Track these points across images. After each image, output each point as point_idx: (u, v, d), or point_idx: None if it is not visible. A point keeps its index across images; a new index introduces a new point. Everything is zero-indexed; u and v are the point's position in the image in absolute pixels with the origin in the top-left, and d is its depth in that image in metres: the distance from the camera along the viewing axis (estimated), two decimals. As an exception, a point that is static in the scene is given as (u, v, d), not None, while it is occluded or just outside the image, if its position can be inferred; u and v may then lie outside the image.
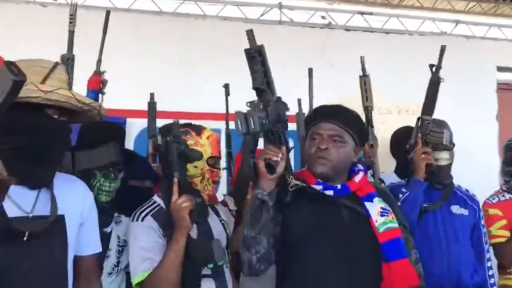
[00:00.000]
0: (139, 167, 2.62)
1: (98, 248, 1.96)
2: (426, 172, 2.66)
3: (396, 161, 3.39)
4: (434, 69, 2.75)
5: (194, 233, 2.17)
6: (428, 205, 2.71)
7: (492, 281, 2.81)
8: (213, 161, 2.33)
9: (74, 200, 1.83)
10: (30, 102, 1.59)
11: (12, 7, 4.49)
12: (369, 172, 3.23)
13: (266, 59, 1.98)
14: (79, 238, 1.84)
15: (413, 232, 2.55)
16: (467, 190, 3.00)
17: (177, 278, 1.99)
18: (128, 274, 2.32)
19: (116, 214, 2.39)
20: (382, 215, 2.06)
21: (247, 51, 1.98)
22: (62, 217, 1.73)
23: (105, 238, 2.26)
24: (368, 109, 3.38)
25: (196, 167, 2.26)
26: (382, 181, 3.19)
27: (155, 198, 2.25)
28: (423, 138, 2.75)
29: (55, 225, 1.71)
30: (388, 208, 2.11)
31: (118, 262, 2.30)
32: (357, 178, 2.15)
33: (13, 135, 1.60)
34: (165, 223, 2.09)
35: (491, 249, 3.06)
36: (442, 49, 2.75)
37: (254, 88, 1.99)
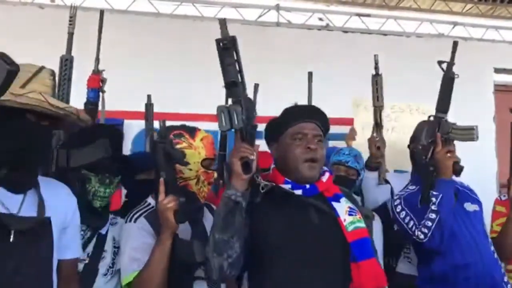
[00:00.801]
0: (141, 160, 2.62)
1: (79, 253, 2.00)
2: (454, 171, 2.61)
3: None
4: (445, 66, 2.69)
5: (188, 234, 2.17)
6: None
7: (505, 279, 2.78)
8: (208, 163, 2.32)
9: (59, 204, 1.85)
10: (11, 107, 1.60)
11: (9, 9, 4.49)
12: (376, 173, 3.23)
13: (239, 51, 1.91)
14: (61, 242, 1.85)
15: (452, 238, 2.56)
16: (461, 183, 2.98)
17: (163, 278, 1.99)
18: None
19: (111, 216, 2.39)
20: (350, 214, 2.03)
21: (219, 42, 1.90)
22: (48, 219, 1.75)
23: (100, 239, 2.27)
24: (378, 109, 3.34)
25: (191, 169, 2.25)
26: (387, 181, 3.17)
27: (149, 199, 2.26)
28: (443, 136, 2.69)
29: (42, 226, 1.73)
30: (356, 208, 2.10)
31: (113, 263, 2.29)
32: (324, 178, 2.12)
33: None
34: (157, 224, 2.08)
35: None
36: (455, 45, 2.70)
37: (228, 82, 1.93)
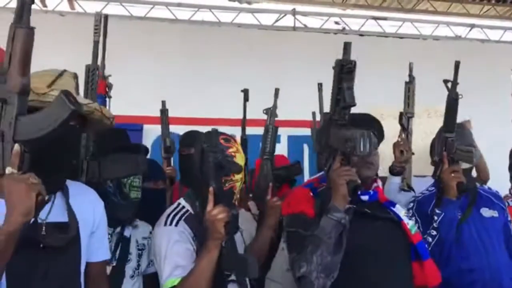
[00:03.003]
0: (151, 169, 2.66)
1: (107, 255, 2.01)
2: (458, 191, 2.63)
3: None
4: (450, 85, 2.72)
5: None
6: (460, 216, 2.68)
7: None
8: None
9: (87, 208, 1.86)
10: (35, 108, 1.59)
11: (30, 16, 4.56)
12: (399, 178, 3.23)
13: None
14: (89, 245, 1.88)
15: (452, 250, 2.61)
16: (489, 188, 2.97)
17: (207, 287, 1.98)
18: (145, 278, 2.38)
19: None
20: (410, 219, 2.17)
21: (342, 64, 1.94)
22: (77, 225, 1.77)
23: (125, 242, 2.33)
24: (407, 116, 3.35)
25: (239, 173, 2.23)
26: (411, 188, 3.17)
27: (182, 202, 2.23)
28: (449, 156, 2.72)
29: (71, 233, 1.75)
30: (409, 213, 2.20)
31: (138, 265, 2.34)
32: (380, 185, 2.24)
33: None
34: (197, 228, 2.08)
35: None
36: (457, 66, 2.72)
37: (348, 105, 1.97)
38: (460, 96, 2.70)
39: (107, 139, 2.35)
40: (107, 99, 2.94)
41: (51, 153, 1.66)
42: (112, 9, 4.73)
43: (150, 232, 2.37)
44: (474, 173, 3.59)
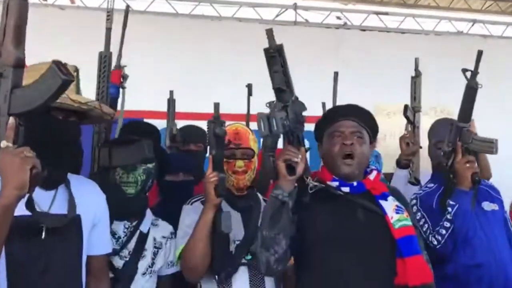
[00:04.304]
0: (170, 161, 2.66)
1: (109, 249, 2.02)
2: (472, 181, 2.61)
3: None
4: (469, 74, 2.67)
5: (240, 224, 2.28)
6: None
7: None
8: (229, 153, 2.36)
9: (88, 201, 1.87)
10: None
11: (31, 10, 4.54)
12: (406, 171, 3.22)
13: (285, 59, 1.99)
14: (91, 238, 1.89)
15: (469, 241, 2.59)
16: (484, 181, 2.95)
17: (204, 247, 2.11)
18: (159, 278, 2.36)
19: (153, 217, 2.40)
20: (397, 213, 2.08)
21: (266, 51, 1.99)
22: (78, 217, 1.79)
23: (142, 237, 2.29)
24: (414, 110, 3.34)
25: None
26: (417, 181, 3.15)
27: None
28: (463, 146, 2.69)
29: (72, 224, 1.75)
30: (403, 207, 2.13)
31: (153, 264, 2.31)
32: (372, 176, 2.18)
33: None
34: None
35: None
36: (479, 54, 2.66)
37: (275, 88, 2.01)
38: (480, 86, 2.65)
39: (123, 131, 2.36)
40: (121, 90, 2.89)
41: (52, 147, 1.67)
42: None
43: (171, 233, 2.37)
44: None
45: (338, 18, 5.43)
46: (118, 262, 2.19)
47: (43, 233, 1.65)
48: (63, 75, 1.31)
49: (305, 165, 2.02)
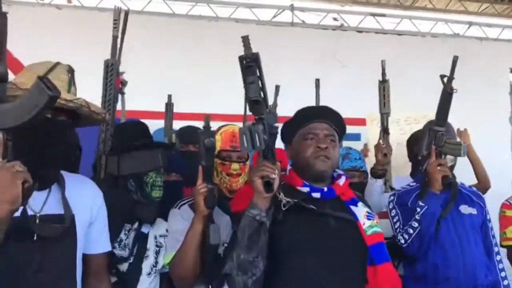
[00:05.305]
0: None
1: (108, 247, 1.99)
2: (443, 184, 2.63)
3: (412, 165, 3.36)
4: (445, 79, 2.72)
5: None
6: (441, 213, 2.69)
7: (506, 282, 2.78)
8: (225, 155, 2.36)
9: (84, 199, 1.85)
10: None
11: (28, 9, 4.54)
12: (382, 180, 3.22)
13: (261, 68, 1.90)
14: (88, 237, 1.87)
15: (430, 244, 2.63)
16: (470, 187, 2.99)
17: (193, 258, 2.10)
18: (162, 275, 2.37)
19: None
20: (368, 219, 2.04)
21: (242, 59, 1.89)
22: (72, 216, 1.76)
23: (143, 238, 2.31)
24: (385, 116, 3.35)
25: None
26: (393, 189, 3.16)
27: None
28: (437, 149, 2.72)
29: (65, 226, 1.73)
30: (373, 212, 2.11)
31: (156, 263, 2.32)
32: (341, 181, 2.12)
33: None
34: None
35: (504, 251, 3.05)
36: (454, 61, 2.71)
37: (250, 100, 1.90)
38: (454, 91, 2.70)
39: (128, 134, 2.36)
40: (120, 96, 2.89)
41: (41, 147, 1.66)
42: (108, 3, 4.70)
43: (167, 230, 2.37)
44: (474, 181, 3.59)
45: (335, 19, 5.43)
46: (123, 265, 2.20)
47: (35, 235, 1.63)
48: (49, 91, 1.30)
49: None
